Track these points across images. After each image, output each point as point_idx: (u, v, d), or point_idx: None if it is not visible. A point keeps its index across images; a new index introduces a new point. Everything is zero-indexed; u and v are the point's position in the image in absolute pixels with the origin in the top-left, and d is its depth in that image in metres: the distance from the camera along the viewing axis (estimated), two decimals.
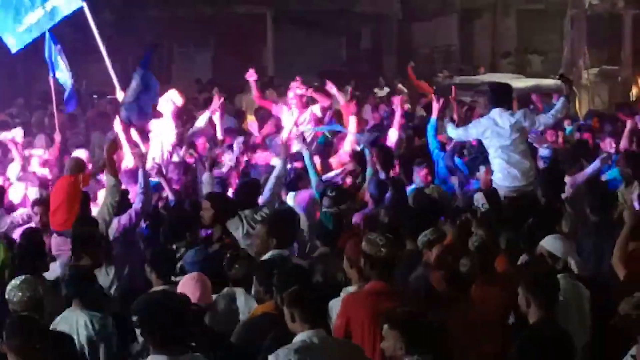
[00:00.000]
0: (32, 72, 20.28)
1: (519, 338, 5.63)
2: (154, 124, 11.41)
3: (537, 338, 5.48)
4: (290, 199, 9.71)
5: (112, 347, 6.42)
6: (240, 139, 12.09)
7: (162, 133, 11.42)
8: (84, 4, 11.36)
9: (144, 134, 11.48)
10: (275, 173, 9.14)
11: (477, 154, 10.90)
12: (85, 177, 9.37)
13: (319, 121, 12.62)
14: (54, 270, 7.86)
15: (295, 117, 12.41)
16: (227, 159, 11.52)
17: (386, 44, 27.74)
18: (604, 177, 10.24)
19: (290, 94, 12.82)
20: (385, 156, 10.16)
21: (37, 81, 18.77)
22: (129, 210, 8.66)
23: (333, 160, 11.48)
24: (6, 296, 6.09)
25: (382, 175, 9.69)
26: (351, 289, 6.43)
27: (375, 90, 21.81)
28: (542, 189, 9.07)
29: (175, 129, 11.54)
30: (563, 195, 9.20)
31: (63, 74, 11.75)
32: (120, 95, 11.25)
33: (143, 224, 8.93)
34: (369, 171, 9.88)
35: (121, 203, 8.75)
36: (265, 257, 7.07)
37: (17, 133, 11.80)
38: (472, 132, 9.73)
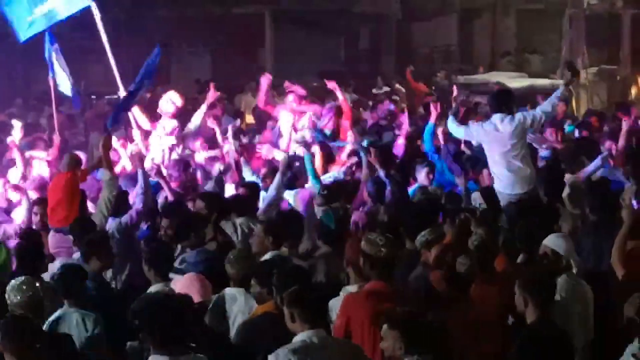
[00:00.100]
0: (31, 72, 20.31)
1: (518, 338, 5.64)
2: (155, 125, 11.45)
3: (537, 338, 5.49)
4: (290, 197, 9.72)
5: (103, 346, 6.43)
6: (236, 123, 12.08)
7: (162, 133, 11.44)
8: (92, 3, 11.37)
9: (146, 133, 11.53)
10: (275, 184, 9.16)
11: (477, 155, 10.87)
12: (83, 173, 9.43)
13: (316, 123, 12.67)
14: (53, 271, 7.85)
15: (294, 122, 12.47)
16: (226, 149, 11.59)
17: (385, 44, 27.71)
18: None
19: (290, 97, 12.85)
20: (384, 155, 10.16)
21: (36, 81, 18.79)
22: (130, 211, 8.70)
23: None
24: (6, 297, 6.09)
25: (381, 174, 9.70)
26: (350, 288, 6.44)
27: (374, 90, 21.80)
28: (543, 188, 9.06)
29: (175, 130, 11.56)
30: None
31: (59, 75, 11.74)
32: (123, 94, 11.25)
33: (144, 225, 8.95)
34: (363, 173, 9.93)
35: (121, 205, 8.79)
36: (265, 257, 7.08)
37: (16, 130, 11.76)
38: (474, 133, 9.63)
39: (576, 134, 13.70)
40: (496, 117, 9.38)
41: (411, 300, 6.07)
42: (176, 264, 7.40)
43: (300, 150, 11.19)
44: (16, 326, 5.43)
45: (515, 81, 19.22)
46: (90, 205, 9.57)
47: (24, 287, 6.06)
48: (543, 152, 11.35)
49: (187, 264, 7.28)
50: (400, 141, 12.08)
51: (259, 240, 7.41)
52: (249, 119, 16.31)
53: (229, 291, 6.59)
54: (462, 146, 11.62)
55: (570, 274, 6.65)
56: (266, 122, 13.95)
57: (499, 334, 6.18)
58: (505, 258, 7.02)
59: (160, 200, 9.64)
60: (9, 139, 11.72)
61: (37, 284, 6.14)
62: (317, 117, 12.77)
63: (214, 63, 25.46)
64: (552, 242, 6.75)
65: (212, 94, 12.21)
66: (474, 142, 10.51)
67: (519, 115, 9.39)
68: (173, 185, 10.10)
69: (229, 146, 11.32)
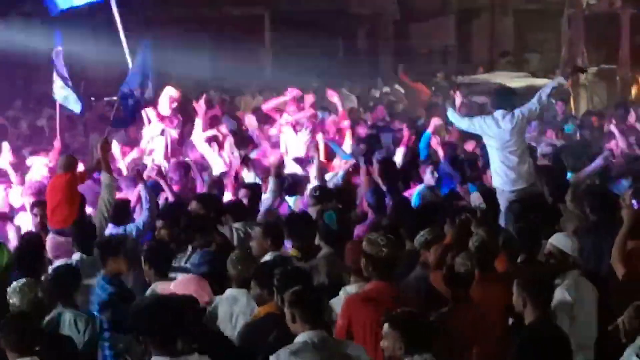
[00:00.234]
0: (32, 74, 20.31)
1: (517, 338, 5.64)
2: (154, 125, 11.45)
3: (536, 338, 5.48)
4: (290, 202, 9.75)
5: (96, 346, 6.44)
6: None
7: (164, 133, 11.47)
8: None
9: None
10: (271, 191, 9.15)
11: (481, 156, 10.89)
12: (82, 175, 9.44)
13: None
14: None
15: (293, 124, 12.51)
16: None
17: (383, 44, 27.72)
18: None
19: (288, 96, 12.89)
20: (387, 168, 10.18)
21: (36, 83, 18.80)
22: (136, 222, 8.75)
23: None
24: (7, 298, 6.10)
25: (383, 188, 9.71)
26: (349, 288, 6.45)
27: (372, 91, 21.82)
28: (548, 188, 9.08)
29: (176, 128, 11.58)
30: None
31: (55, 83, 11.69)
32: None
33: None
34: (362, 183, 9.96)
35: (123, 215, 8.81)
36: (265, 258, 7.09)
37: (5, 152, 11.69)
38: (476, 125, 9.64)
39: (577, 133, 13.73)
40: (498, 114, 9.47)
41: (412, 300, 6.08)
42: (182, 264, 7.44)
43: (295, 168, 11.23)
44: (17, 325, 5.45)
45: (516, 81, 19.22)
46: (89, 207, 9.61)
47: (25, 289, 6.07)
48: (545, 149, 11.36)
49: (190, 265, 7.29)
50: (401, 150, 12.11)
51: (258, 243, 7.41)
52: (249, 120, 16.27)
53: (230, 292, 6.60)
54: (472, 149, 11.58)
55: (576, 274, 6.65)
56: (265, 122, 13.92)
57: (499, 334, 6.18)
58: (506, 258, 7.02)
59: (161, 201, 9.65)
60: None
61: (38, 286, 6.15)
62: (315, 117, 12.82)
63: (214, 64, 25.45)
64: (558, 241, 6.76)
65: (199, 109, 12.15)
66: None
67: (517, 112, 9.46)
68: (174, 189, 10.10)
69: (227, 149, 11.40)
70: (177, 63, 23.64)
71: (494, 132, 9.43)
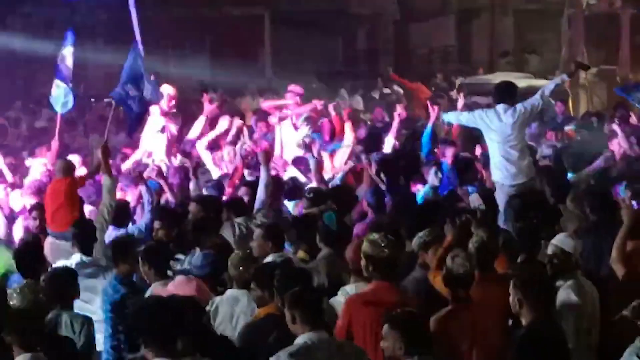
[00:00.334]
0: (32, 75, 20.32)
1: (515, 339, 5.63)
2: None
3: (533, 339, 5.47)
4: (289, 206, 9.75)
5: (92, 347, 6.44)
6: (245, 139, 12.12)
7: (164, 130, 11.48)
8: None
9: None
10: (262, 182, 9.14)
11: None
12: (82, 178, 9.48)
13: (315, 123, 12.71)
14: None
15: (293, 121, 12.51)
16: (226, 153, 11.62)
17: (383, 44, 27.74)
18: None
19: (289, 95, 12.89)
20: (387, 166, 10.17)
21: (36, 84, 18.81)
22: (138, 224, 8.77)
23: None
24: (8, 300, 6.10)
25: (382, 187, 9.71)
26: (348, 288, 6.45)
27: (372, 93, 21.84)
28: (549, 188, 9.07)
29: (176, 124, 11.59)
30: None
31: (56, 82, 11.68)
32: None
33: None
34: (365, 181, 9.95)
35: (122, 215, 8.81)
36: (266, 260, 7.09)
37: None
38: (476, 117, 9.58)
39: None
40: (500, 107, 9.46)
41: (412, 301, 6.08)
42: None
43: (296, 173, 11.23)
44: (23, 321, 5.48)
45: (518, 82, 19.19)
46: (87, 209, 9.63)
47: (26, 290, 6.07)
48: (545, 151, 11.37)
49: (192, 267, 7.30)
50: (390, 140, 12.08)
51: (259, 244, 7.41)
52: (249, 121, 16.28)
53: (231, 293, 6.60)
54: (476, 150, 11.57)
55: (578, 274, 6.64)
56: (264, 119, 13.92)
57: (499, 335, 6.17)
58: (506, 259, 7.01)
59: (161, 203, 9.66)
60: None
61: (39, 288, 6.15)
62: (315, 112, 12.83)
63: (214, 65, 25.45)
64: (561, 241, 6.74)
65: (207, 106, 12.22)
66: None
67: (519, 107, 9.46)
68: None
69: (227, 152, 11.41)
70: (176, 63, 23.68)
71: (495, 125, 9.42)
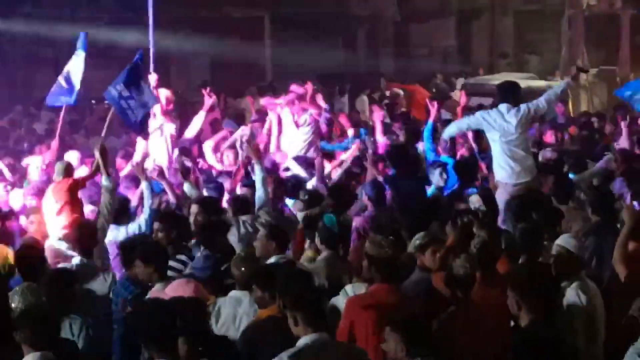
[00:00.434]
0: (32, 78, 20.31)
1: (513, 341, 5.63)
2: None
3: (531, 341, 5.46)
4: (290, 204, 9.73)
5: (91, 349, 6.44)
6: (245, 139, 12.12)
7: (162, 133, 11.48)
8: None
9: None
10: (258, 178, 9.11)
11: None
12: (82, 180, 9.48)
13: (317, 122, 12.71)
14: None
15: (295, 119, 12.51)
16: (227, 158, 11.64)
17: (383, 45, 27.76)
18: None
19: (290, 95, 12.89)
20: (395, 157, 10.20)
21: (36, 88, 18.79)
22: (138, 221, 8.75)
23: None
24: (10, 303, 6.10)
25: (380, 179, 9.70)
26: (349, 288, 6.44)
27: (374, 95, 21.82)
28: (553, 191, 9.06)
29: (173, 127, 11.60)
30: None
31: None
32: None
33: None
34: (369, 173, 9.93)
35: (122, 214, 8.81)
36: (269, 261, 7.08)
37: None
38: (479, 118, 9.57)
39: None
40: (503, 107, 9.47)
41: (413, 302, 6.08)
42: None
43: (296, 168, 11.22)
44: (32, 319, 5.49)
45: (519, 82, 19.21)
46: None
47: (27, 292, 6.07)
48: (547, 154, 11.38)
49: (194, 269, 7.29)
50: (380, 139, 12.12)
51: (262, 244, 7.41)
52: (249, 121, 16.28)
53: (234, 294, 6.60)
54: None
55: (584, 275, 6.63)
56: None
57: (500, 336, 6.17)
58: (507, 260, 7.01)
59: (162, 205, 9.65)
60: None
61: (41, 291, 6.15)
62: (318, 114, 12.82)
63: (214, 66, 25.46)
64: (565, 242, 6.73)
65: (207, 100, 12.25)
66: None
67: (523, 107, 9.49)
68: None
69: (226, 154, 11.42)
70: (177, 64, 23.70)
71: (498, 124, 9.42)
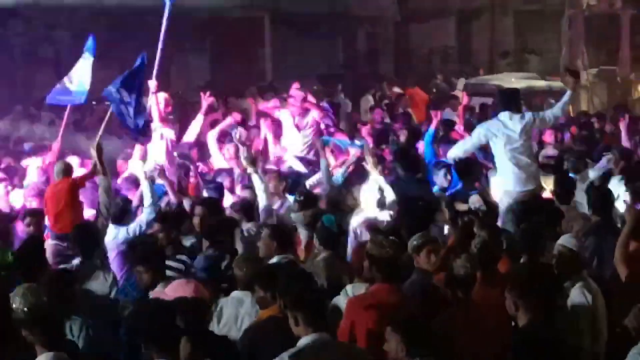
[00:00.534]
0: (32, 79, 20.31)
1: (512, 342, 5.63)
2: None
3: (529, 341, 5.47)
4: (291, 200, 9.72)
5: (91, 350, 6.44)
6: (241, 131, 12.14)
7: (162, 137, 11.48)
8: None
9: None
10: (258, 188, 9.09)
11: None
12: (81, 180, 9.48)
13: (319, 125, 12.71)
14: None
15: (296, 121, 12.52)
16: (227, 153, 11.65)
17: (383, 45, 27.76)
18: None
19: (290, 100, 12.90)
20: (403, 157, 10.21)
21: (36, 88, 18.79)
22: (138, 221, 8.74)
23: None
24: (10, 303, 6.09)
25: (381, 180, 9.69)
26: (349, 288, 6.44)
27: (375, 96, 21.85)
28: (555, 190, 9.06)
29: (172, 131, 11.61)
30: None
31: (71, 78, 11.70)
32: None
33: None
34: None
35: (123, 211, 8.81)
36: (271, 261, 7.08)
37: None
38: (481, 133, 9.58)
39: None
40: (504, 115, 9.44)
41: (414, 303, 6.07)
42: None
43: (296, 164, 11.21)
44: (44, 318, 5.51)
45: (520, 82, 19.25)
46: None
47: (28, 293, 6.06)
48: (548, 152, 11.39)
49: (195, 269, 7.29)
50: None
51: (265, 244, 7.42)
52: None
53: (236, 294, 6.60)
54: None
55: (586, 277, 6.63)
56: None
57: (500, 337, 6.17)
58: (509, 260, 7.01)
59: (163, 205, 9.65)
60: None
61: (41, 292, 6.14)
62: (320, 117, 12.84)
63: (214, 67, 25.47)
64: (566, 242, 6.73)
65: (205, 103, 12.26)
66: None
67: (529, 115, 9.48)
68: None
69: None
70: (177, 65, 23.70)
71: (501, 132, 9.38)
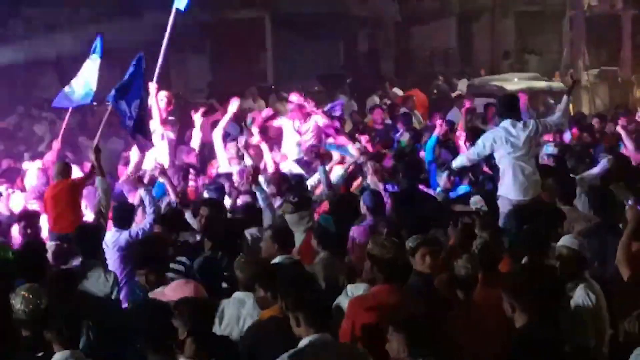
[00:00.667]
0: (33, 79, 20.32)
1: (511, 343, 5.62)
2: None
3: (526, 342, 5.46)
4: None
5: (92, 350, 6.44)
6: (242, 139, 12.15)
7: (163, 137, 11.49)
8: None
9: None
10: (262, 202, 9.05)
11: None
12: (81, 181, 9.50)
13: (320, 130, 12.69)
14: None
15: (297, 127, 12.51)
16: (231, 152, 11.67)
17: (384, 47, 27.78)
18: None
19: (291, 105, 12.88)
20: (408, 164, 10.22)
21: (37, 89, 18.80)
22: (140, 226, 8.74)
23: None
24: (11, 302, 6.09)
25: (380, 187, 9.69)
26: (350, 288, 6.44)
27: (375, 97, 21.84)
28: (556, 190, 9.03)
29: (173, 131, 11.62)
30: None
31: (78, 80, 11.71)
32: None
33: None
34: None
35: (126, 216, 8.81)
36: (273, 262, 7.07)
37: None
38: (486, 142, 9.52)
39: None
40: (507, 123, 9.37)
41: (415, 303, 6.07)
42: None
43: (294, 167, 11.20)
44: (61, 316, 5.55)
45: (520, 83, 19.25)
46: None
47: (29, 295, 6.06)
48: (548, 150, 11.37)
49: (196, 272, 7.29)
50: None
51: (267, 245, 7.41)
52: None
53: (237, 295, 6.59)
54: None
55: (588, 278, 6.61)
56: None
57: (500, 337, 6.16)
58: (510, 261, 7.00)
59: (163, 205, 9.64)
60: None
61: (42, 293, 6.14)
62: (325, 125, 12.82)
63: (214, 68, 25.49)
64: (568, 242, 6.72)
65: (200, 117, 12.28)
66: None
67: (533, 122, 9.44)
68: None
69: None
70: (177, 66, 23.71)
71: (504, 140, 9.30)
